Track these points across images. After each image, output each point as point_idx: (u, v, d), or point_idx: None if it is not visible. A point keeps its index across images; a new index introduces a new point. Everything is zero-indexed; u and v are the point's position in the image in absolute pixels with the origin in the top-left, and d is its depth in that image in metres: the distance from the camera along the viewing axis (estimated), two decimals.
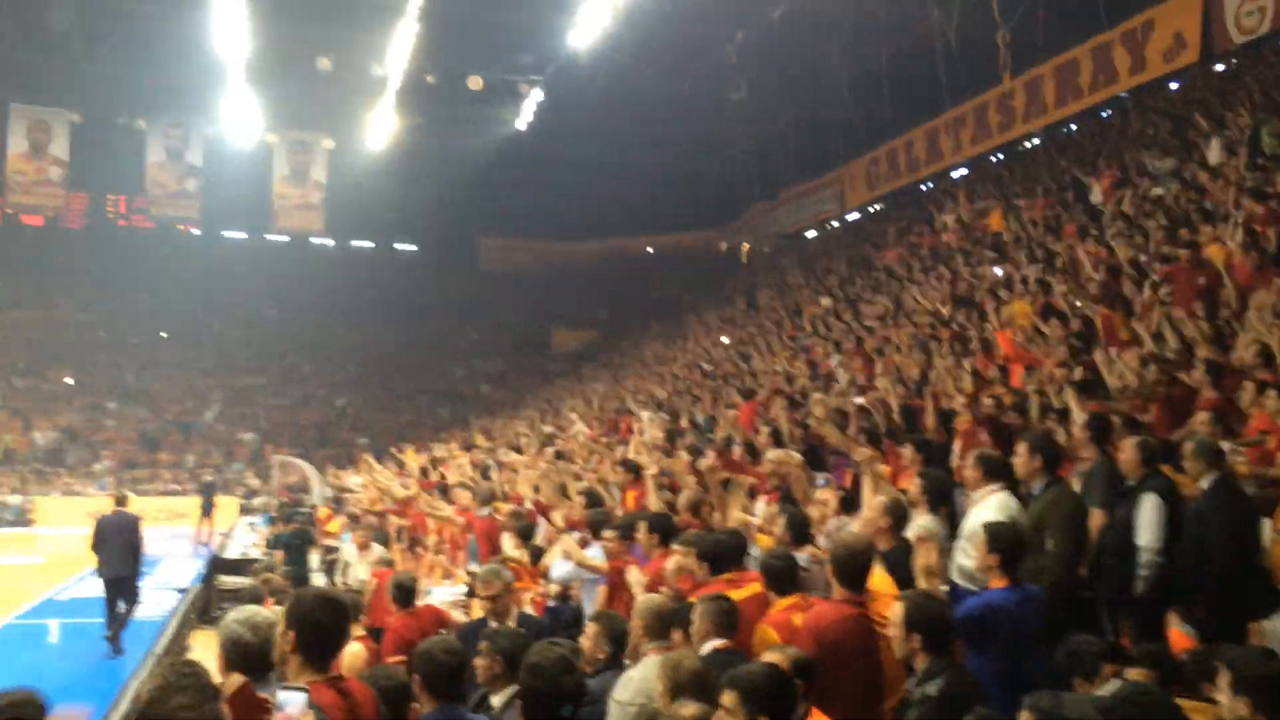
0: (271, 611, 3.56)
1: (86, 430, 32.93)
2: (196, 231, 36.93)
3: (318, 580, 11.45)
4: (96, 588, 15.76)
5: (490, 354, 38.90)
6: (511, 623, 5.50)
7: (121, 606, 11.44)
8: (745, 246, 34.90)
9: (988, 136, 24.63)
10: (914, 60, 26.32)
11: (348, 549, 10.65)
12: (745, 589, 5.01)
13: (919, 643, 3.78)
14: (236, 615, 3.31)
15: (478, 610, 6.15)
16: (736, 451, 8.71)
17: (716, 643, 4.26)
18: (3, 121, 30.36)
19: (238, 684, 2.70)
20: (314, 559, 14.15)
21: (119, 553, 11.33)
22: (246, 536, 16.94)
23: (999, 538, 4.38)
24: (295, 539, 13.42)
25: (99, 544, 11.41)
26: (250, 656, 3.20)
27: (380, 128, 32.02)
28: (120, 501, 12.08)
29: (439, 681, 3.69)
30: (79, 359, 35.66)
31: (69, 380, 34.82)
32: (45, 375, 34.90)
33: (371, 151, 33.52)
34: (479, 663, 4.11)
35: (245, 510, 24.69)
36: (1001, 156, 24.96)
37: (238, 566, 13.71)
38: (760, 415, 11.43)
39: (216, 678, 2.90)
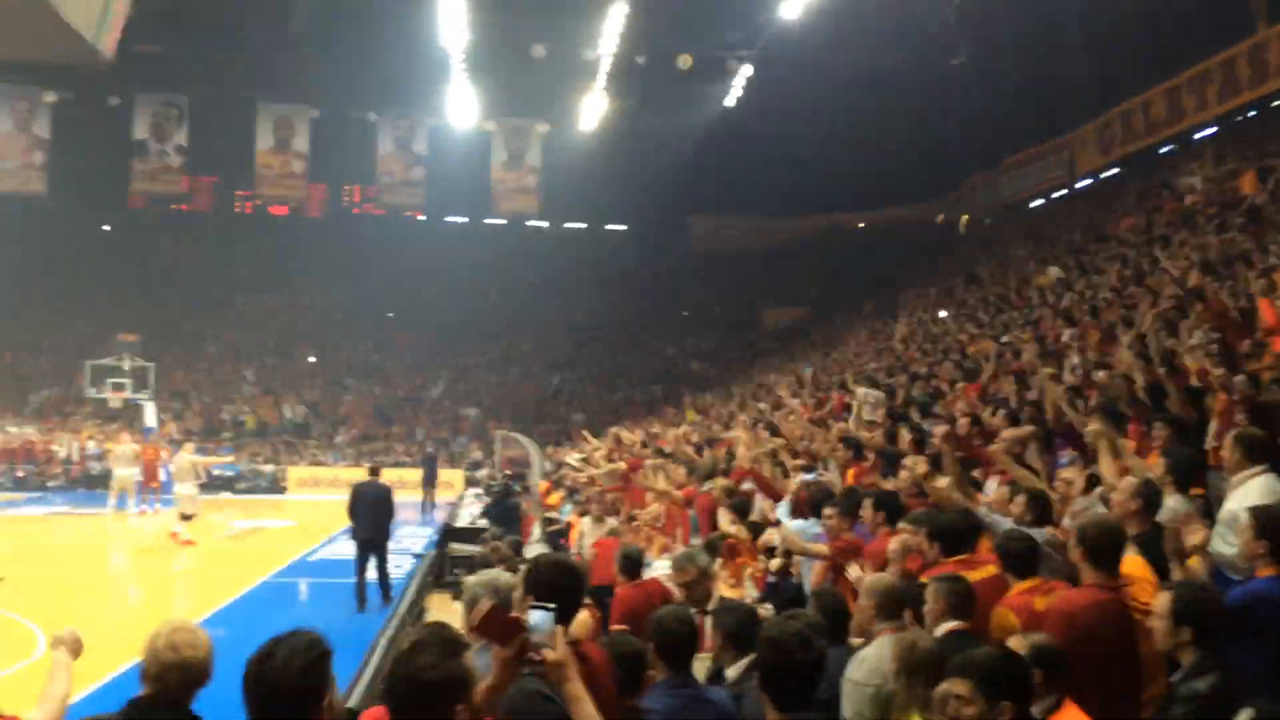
0: (510, 575, 3.67)
1: (328, 405, 35.42)
2: (422, 217, 38.84)
3: (535, 550, 11.83)
4: (346, 550, 16.98)
5: (701, 332, 39.17)
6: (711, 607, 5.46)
7: (372, 569, 12.24)
8: (964, 218, 33.51)
9: (1237, 93, 22.61)
10: (1152, 13, 24.45)
11: (585, 523, 10.95)
12: (980, 570, 4.82)
13: (1189, 636, 3.49)
14: (479, 578, 3.43)
15: None
16: (964, 429, 8.35)
17: (951, 625, 4.11)
18: (252, 119, 32.91)
19: (489, 606, 2.78)
20: (536, 530, 14.70)
21: (371, 518, 12.18)
22: (474, 507, 17.74)
23: (1268, 523, 3.99)
24: (502, 511, 13.98)
25: (354, 509, 12.29)
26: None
27: (592, 110, 32.70)
28: (374, 472, 13.16)
29: (672, 651, 3.71)
30: (320, 340, 38.39)
31: (312, 359, 37.54)
32: (291, 355, 37.77)
33: (583, 134, 34.27)
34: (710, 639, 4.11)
35: (471, 482, 25.88)
36: (1254, 113, 22.88)
37: (467, 534, 14.34)
38: (986, 393, 10.96)
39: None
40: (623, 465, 12.65)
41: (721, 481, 8.97)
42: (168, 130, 32.58)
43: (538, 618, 2.70)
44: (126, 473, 22.79)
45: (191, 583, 14.39)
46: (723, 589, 6.55)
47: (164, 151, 32.79)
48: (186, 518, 17.17)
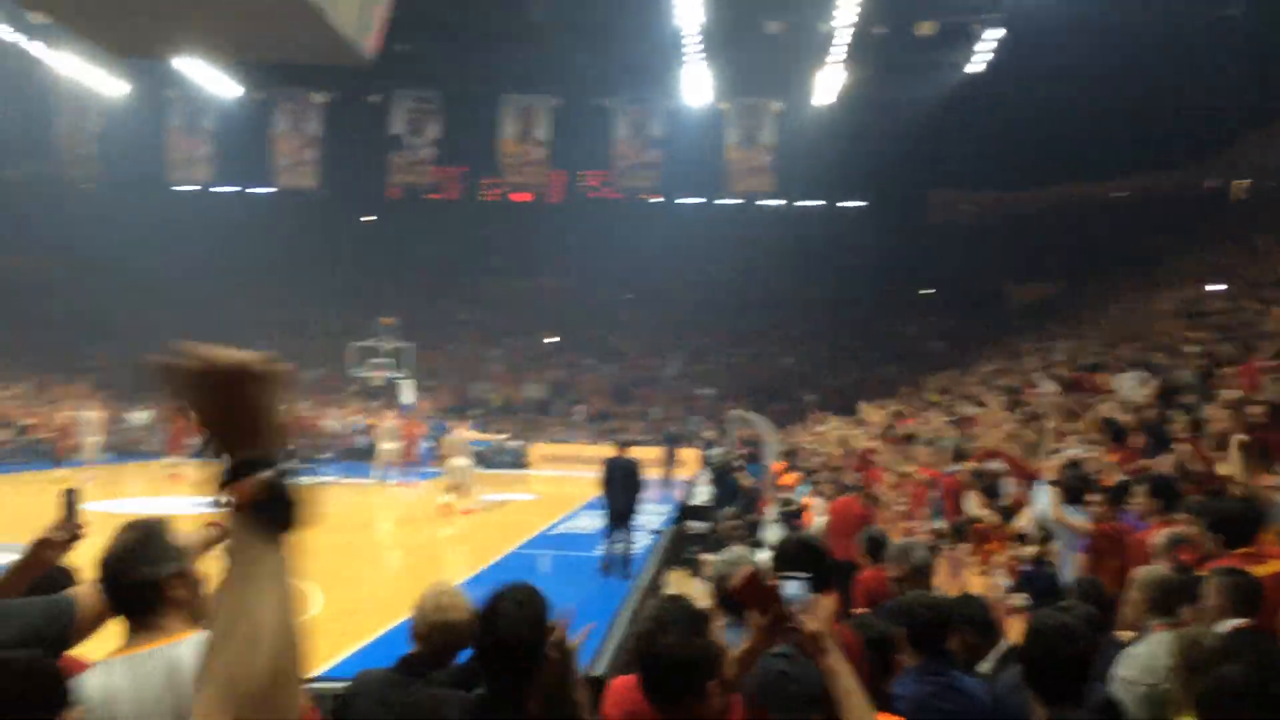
0: (754, 554, 3.66)
1: (568, 384, 36.68)
2: (657, 199, 39.41)
3: (770, 530, 11.77)
4: (586, 524, 17.57)
5: (941, 310, 37.78)
6: None
7: (619, 542, 12.76)
8: (1237, 184, 30.62)
9: None
10: None
11: (819, 503, 10.84)
12: (1269, 565, 4.39)
13: None
14: (725, 556, 3.44)
15: None
16: (1257, 412, 7.61)
17: (1236, 621, 3.75)
18: (496, 111, 34.40)
19: (747, 571, 2.74)
20: (771, 510, 14.64)
21: (621, 491, 12.76)
22: (708, 486, 17.88)
23: None
24: (723, 488, 14.02)
25: (606, 483, 12.91)
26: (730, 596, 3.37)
27: (827, 85, 32.06)
28: (622, 446, 13.71)
29: (923, 635, 3.58)
30: (560, 320, 39.79)
31: (553, 340, 38.98)
32: (533, 336, 39.35)
33: (818, 110, 33.68)
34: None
35: (705, 461, 26.11)
36: None
37: (702, 512, 14.49)
38: (1268, 374, 9.95)
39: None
40: (863, 444, 12.38)
41: (970, 463, 8.61)
42: (421, 124, 34.57)
43: (793, 588, 2.64)
44: (389, 447, 24.52)
45: (446, 551, 15.25)
46: (971, 577, 6.28)
47: (418, 145, 34.84)
48: (454, 489, 18.73)
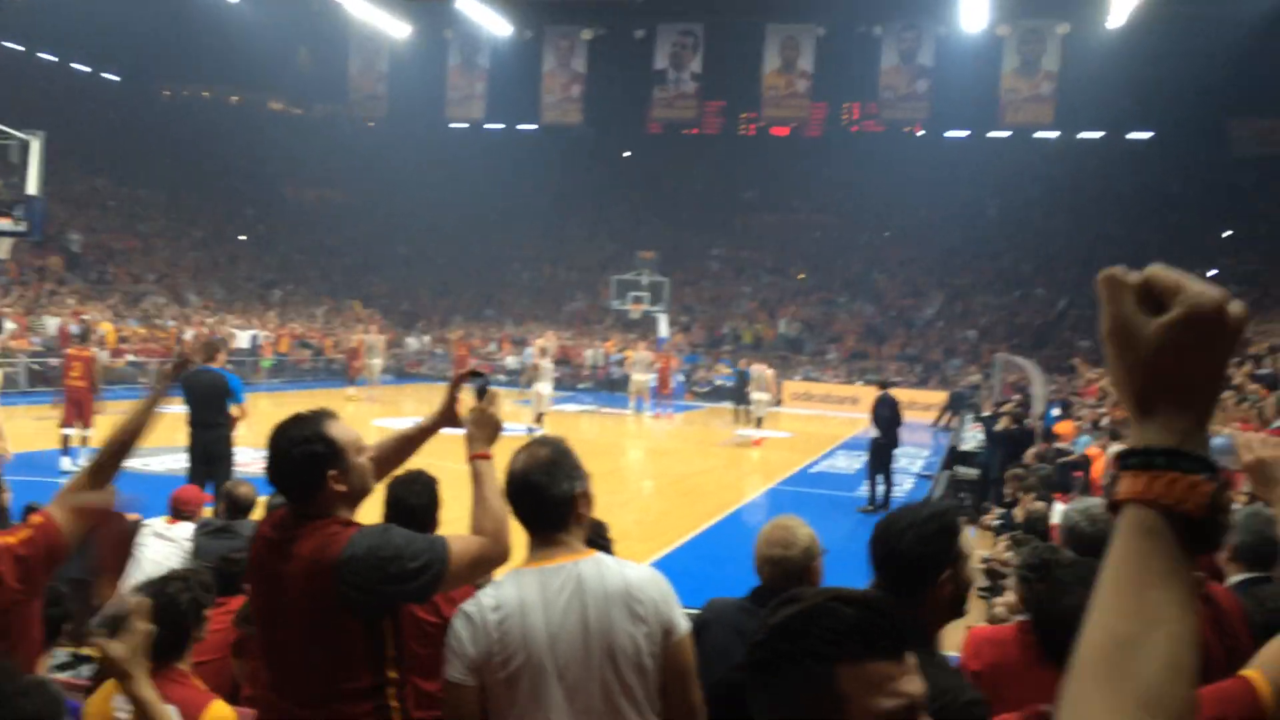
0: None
1: (821, 322, 36.15)
2: (921, 132, 37.77)
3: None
4: (843, 464, 17.35)
5: (1243, 252, 34.27)
6: None
7: (880, 483, 12.84)
8: None
9: None
10: None
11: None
12: None
13: None
14: (1076, 505, 3.22)
15: None
16: None
17: None
18: (760, 42, 33.85)
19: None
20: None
21: (885, 425, 12.95)
22: (973, 431, 17.16)
23: None
24: (996, 438, 13.34)
25: (875, 418, 13.09)
26: (1085, 545, 3.16)
27: (1121, 4, 29.34)
28: (884, 385, 13.85)
29: None
30: (814, 257, 39.17)
31: (801, 276, 38.43)
32: (787, 272, 38.97)
33: (1109, 32, 30.99)
34: None
35: (959, 405, 25.17)
36: None
37: (969, 458, 13.97)
38: None
39: None
40: None
41: None
42: (684, 58, 34.54)
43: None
44: (643, 378, 25.08)
45: (708, 483, 15.41)
46: None
47: (680, 79, 34.87)
48: (757, 420, 20.84)
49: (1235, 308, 0.91)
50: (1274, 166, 34.74)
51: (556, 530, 2.38)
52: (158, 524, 5.74)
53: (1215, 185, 35.77)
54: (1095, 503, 3.26)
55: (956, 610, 2.27)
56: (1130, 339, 0.93)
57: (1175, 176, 36.54)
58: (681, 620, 2.36)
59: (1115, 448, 9.81)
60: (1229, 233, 35.13)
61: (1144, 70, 32.42)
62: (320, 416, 2.54)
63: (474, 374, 2.77)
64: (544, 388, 19.31)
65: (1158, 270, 0.94)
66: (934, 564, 2.18)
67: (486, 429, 2.61)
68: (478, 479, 2.54)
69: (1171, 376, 0.91)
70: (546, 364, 19.82)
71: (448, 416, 2.84)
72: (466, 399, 2.78)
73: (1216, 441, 2.29)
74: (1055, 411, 16.53)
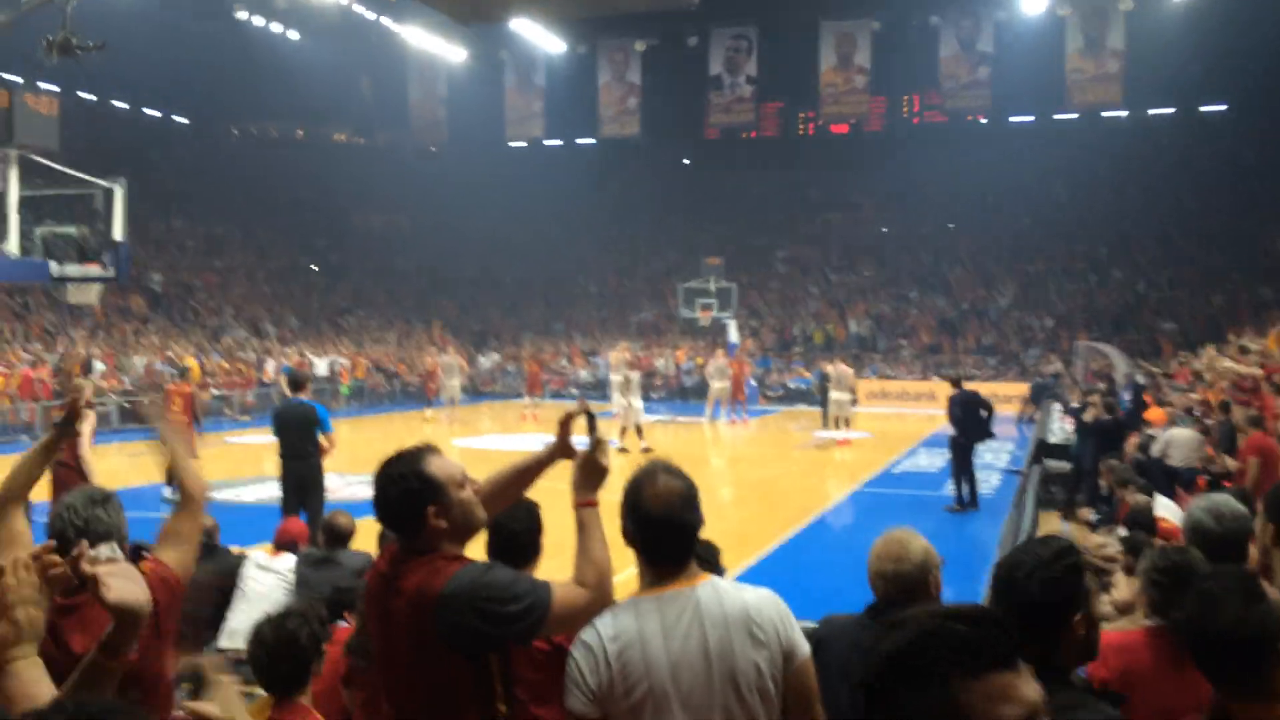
0: (1243, 504, 3.26)
1: (892, 318, 35.70)
2: (984, 120, 37.14)
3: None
4: (926, 462, 17.09)
5: None
6: None
7: (965, 480, 12.67)
8: None
9: None
10: None
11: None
12: None
13: None
14: (1201, 503, 3.11)
15: None
16: None
17: None
18: (815, 39, 33.63)
19: None
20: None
21: (959, 424, 12.73)
22: (1060, 422, 16.80)
23: None
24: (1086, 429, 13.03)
25: (950, 416, 12.94)
26: (1213, 546, 3.04)
27: None
28: (956, 382, 13.48)
29: None
30: (881, 252, 38.72)
31: (867, 273, 38.00)
32: (854, 269, 38.57)
33: (1174, 4, 30.21)
34: None
35: (1041, 395, 24.63)
36: None
37: (1058, 450, 13.67)
38: None
39: None
40: (1256, 371, 11.05)
41: None
42: (739, 62, 34.44)
43: None
44: (719, 385, 25.03)
45: (792, 487, 15.27)
46: None
47: (736, 83, 34.78)
48: (838, 421, 20.71)
49: None
50: None
51: (681, 559, 2.39)
52: (260, 556, 5.86)
53: None
54: (1223, 499, 3.15)
55: (1090, 652, 2.20)
56: None
57: (1251, 147, 35.40)
58: (802, 642, 2.34)
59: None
60: None
61: (1213, 41, 31.47)
62: (419, 453, 2.56)
63: (586, 414, 2.80)
64: (634, 400, 18.71)
65: None
66: (1066, 607, 2.12)
67: (595, 477, 2.59)
68: (583, 528, 2.52)
69: None
70: (635, 375, 19.29)
71: (562, 450, 2.83)
72: (579, 426, 2.79)
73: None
74: (1126, 396, 16.14)
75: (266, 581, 5.54)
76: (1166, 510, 6.85)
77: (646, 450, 16.87)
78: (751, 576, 9.26)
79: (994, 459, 16.71)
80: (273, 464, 9.56)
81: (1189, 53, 31.52)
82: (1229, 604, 2.11)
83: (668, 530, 2.38)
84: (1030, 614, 2.09)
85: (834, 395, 20.80)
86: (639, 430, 18.23)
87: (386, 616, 2.46)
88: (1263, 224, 33.38)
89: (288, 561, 5.70)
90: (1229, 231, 33.82)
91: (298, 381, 10.07)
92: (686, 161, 43.95)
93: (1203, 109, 37.52)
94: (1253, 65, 32.92)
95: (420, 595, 2.36)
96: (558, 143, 40.13)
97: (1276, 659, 2.04)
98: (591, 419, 2.76)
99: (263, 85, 36.97)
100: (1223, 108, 37.37)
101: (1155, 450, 10.85)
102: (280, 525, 6.15)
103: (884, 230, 39.44)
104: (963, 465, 12.63)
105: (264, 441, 8.77)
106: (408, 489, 2.46)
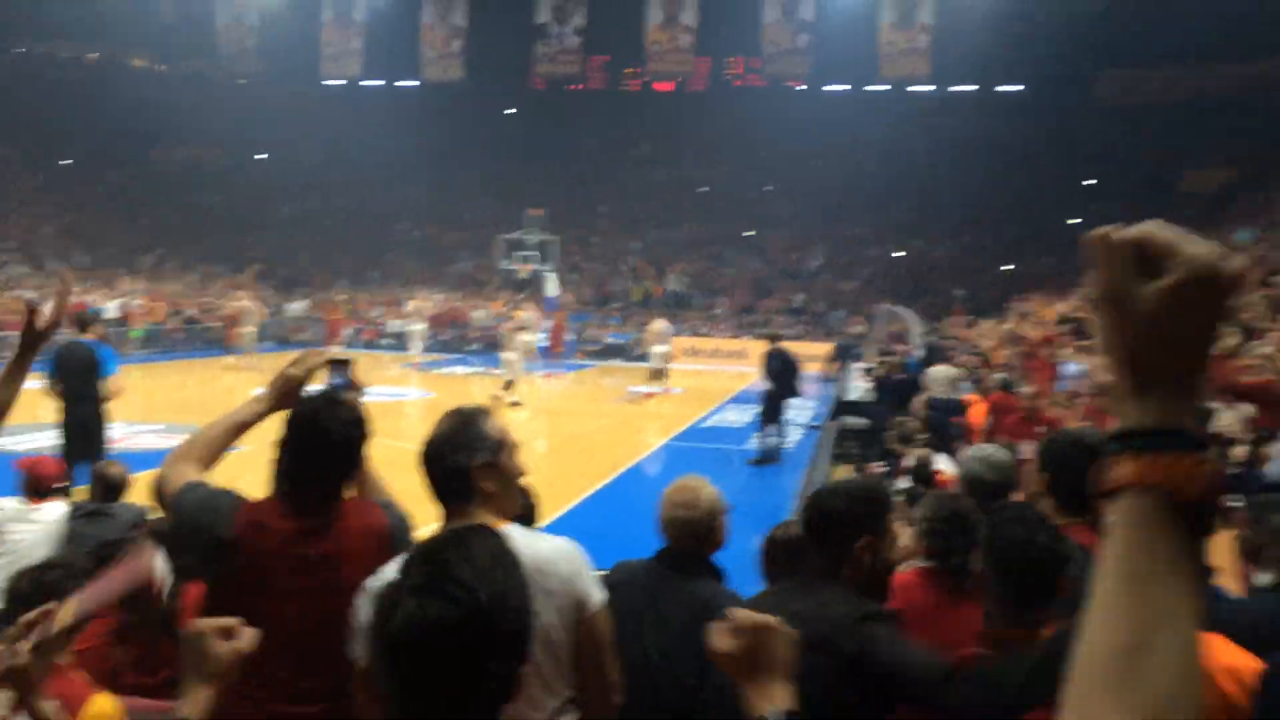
0: (1010, 453, 3.51)
1: (708, 277, 36.42)
2: (802, 87, 38.17)
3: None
4: (734, 417, 17.57)
5: (1109, 198, 35.69)
6: None
7: (771, 435, 13.13)
8: None
9: None
10: None
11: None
12: None
13: None
14: (976, 453, 3.34)
15: None
16: None
17: None
18: None
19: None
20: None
21: (776, 375, 13.29)
22: (859, 381, 17.61)
23: None
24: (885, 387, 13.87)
25: (766, 369, 13.40)
26: (985, 493, 3.26)
27: None
28: (774, 339, 14.12)
29: None
30: (701, 212, 39.36)
31: (686, 229, 38.63)
32: (674, 228, 39.08)
33: None
34: None
35: (844, 355, 25.71)
36: None
37: (856, 408, 14.34)
38: None
39: None
40: (1032, 336, 11.87)
41: None
42: (568, 11, 34.12)
43: None
44: (527, 339, 24.91)
45: (603, 441, 15.44)
46: None
47: (563, 34, 34.47)
48: (655, 375, 20.79)
49: (1232, 266, 0.84)
50: (1135, 116, 36.23)
51: (461, 503, 2.32)
52: (13, 504, 5.39)
53: (1082, 133, 37.12)
54: (992, 449, 3.37)
55: (875, 588, 2.32)
56: (1124, 307, 0.86)
57: (1043, 127, 37.78)
58: (594, 593, 2.29)
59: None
60: (1092, 181, 36.56)
61: (1017, 23, 33.33)
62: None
63: (338, 363, 2.75)
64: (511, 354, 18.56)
65: (1151, 229, 0.87)
66: (854, 525, 2.24)
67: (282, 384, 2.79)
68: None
69: (1170, 348, 0.84)
70: (526, 338, 19.32)
71: (286, 399, 2.81)
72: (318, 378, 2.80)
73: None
74: (918, 354, 17.08)
75: (29, 534, 5.13)
76: (946, 464, 7.30)
77: (515, 404, 17.85)
78: (561, 525, 9.34)
79: (796, 415, 17.35)
80: (50, 409, 8.91)
81: (990, 34, 33.29)
82: (1023, 529, 2.25)
83: (423, 465, 2.35)
84: (822, 524, 2.34)
85: (653, 349, 21.11)
86: (508, 385, 18.37)
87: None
88: (1051, 200, 35.80)
89: (52, 511, 5.30)
90: (1022, 205, 36.07)
91: (84, 321, 9.40)
92: (510, 111, 43.34)
93: (1000, 89, 39.74)
94: (1047, 51, 35.08)
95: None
96: (379, 82, 38.78)
97: (1064, 580, 2.19)
98: (342, 365, 2.71)
99: (49, 1, 34.10)
100: (1019, 88, 39.68)
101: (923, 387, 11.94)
102: (26, 466, 5.38)
103: (703, 189, 40.08)
104: (773, 417, 13.06)
105: (40, 386, 8.16)
106: None
